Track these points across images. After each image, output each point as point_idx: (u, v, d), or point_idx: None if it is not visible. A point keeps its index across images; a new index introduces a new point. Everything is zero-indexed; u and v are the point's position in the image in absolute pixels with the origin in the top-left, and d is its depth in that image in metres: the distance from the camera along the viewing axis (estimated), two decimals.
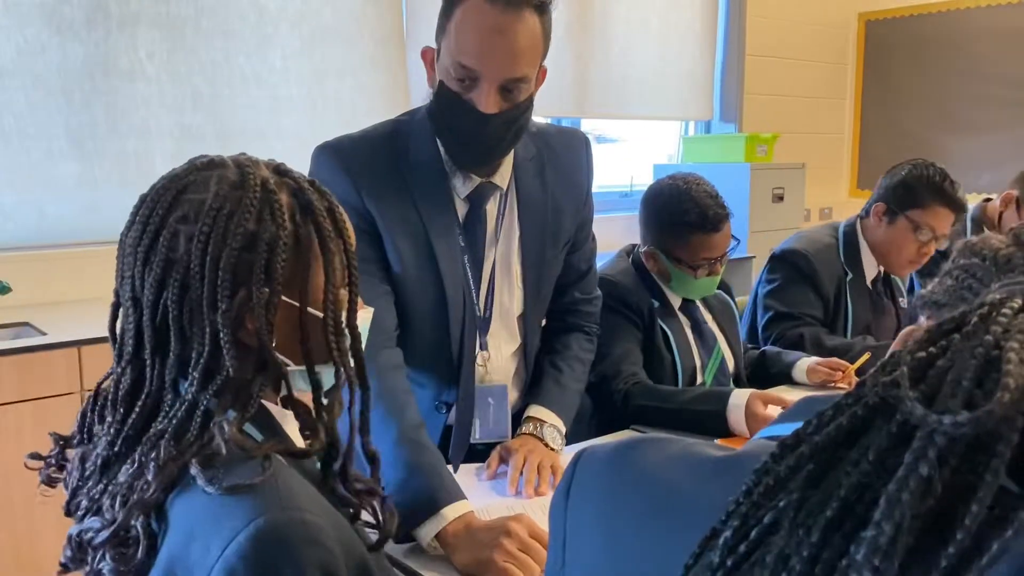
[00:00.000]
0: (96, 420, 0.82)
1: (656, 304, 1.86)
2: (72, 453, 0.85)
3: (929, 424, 0.42)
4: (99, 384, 0.84)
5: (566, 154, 1.54)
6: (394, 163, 1.40)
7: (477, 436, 1.50)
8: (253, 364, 0.80)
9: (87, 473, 0.80)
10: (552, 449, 1.46)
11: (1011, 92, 4.62)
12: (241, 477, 0.72)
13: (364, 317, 0.92)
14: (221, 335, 0.77)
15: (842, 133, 5.36)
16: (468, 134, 1.33)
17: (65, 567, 0.81)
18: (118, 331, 0.83)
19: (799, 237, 2.38)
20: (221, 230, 0.78)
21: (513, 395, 1.56)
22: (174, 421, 0.77)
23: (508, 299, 1.50)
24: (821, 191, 5.08)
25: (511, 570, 1.06)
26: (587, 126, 4.24)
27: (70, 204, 2.74)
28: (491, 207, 1.45)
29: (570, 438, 1.54)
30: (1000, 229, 2.68)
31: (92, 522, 0.77)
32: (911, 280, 2.47)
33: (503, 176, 1.45)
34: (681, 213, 1.80)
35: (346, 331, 0.85)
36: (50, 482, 0.86)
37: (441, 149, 1.41)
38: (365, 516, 0.88)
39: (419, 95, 3.31)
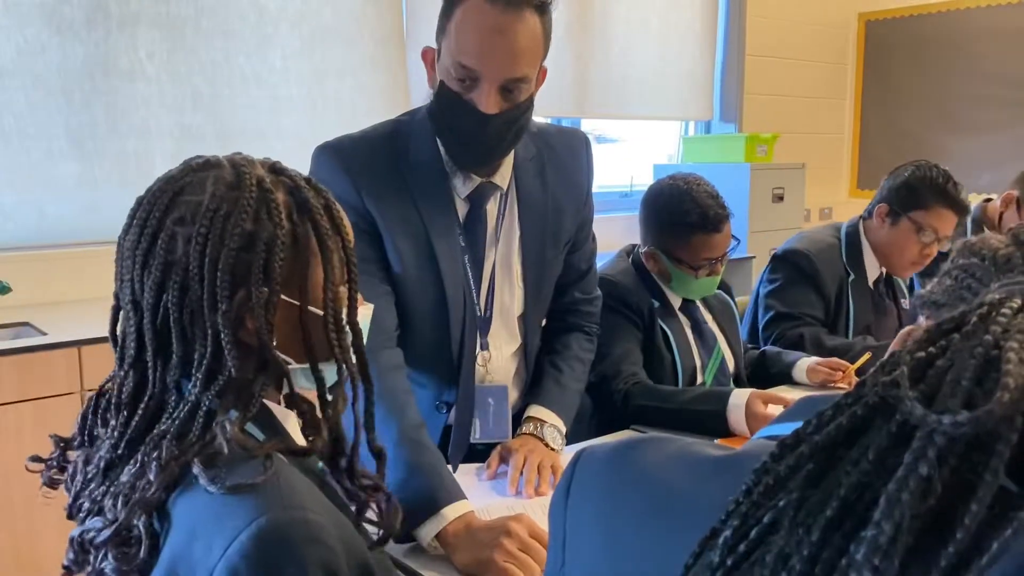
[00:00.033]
0: (99, 423, 0.82)
1: (656, 304, 1.86)
2: (73, 455, 0.85)
3: (929, 424, 0.42)
4: (101, 387, 0.84)
5: (566, 154, 1.54)
6: (394, 163, 1.40)
7: (477, 436, 1.50)
8: (254, 364, 0.80)
9: (90, 476, 0.80)
10: (552, 449, 1.46)
11: (1011, 92, 4.62)
12: (243, 476, 0.72)
13: (364, 313, 0.92)
14: (222, 336, 0.77)
15: (842, 133, 5.36)
16: (468, 134, 1.33)
17: (68, 569, 0.81)
18: (119, 334, 0.83)
19: (801, 237, 2.38)
20: (219, 231, 0.78)
21: (513, 395, 1.56)
22: (177, 422, 0.77)
23: (509, 299, 1.50)
24: (821, 191, 5.08)
25: (511, 570, 1.07)
26: (587, 126, 4.24)
27: (70, 204, 2.74)
28: (491, 207, 1.45)
29: (570, 438, 1.54)
30: (1000, 229, 2.68)
31: (94, 522, 0.77)
32: (912, 281, 2.47)
33: (503, 176, 1.45)
34: (682, 213, 1.80)
35: (347, 328, 0.85)
36: (52, 484, 0.86)
37: (441, 149, 1.41)
38: (368, 514, 0.89)
39: (419, 95, 3.31)
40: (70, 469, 0.84)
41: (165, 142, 2.87)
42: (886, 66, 5.16)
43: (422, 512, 1.16)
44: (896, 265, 2.27)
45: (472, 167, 1.41)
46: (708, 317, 1.96)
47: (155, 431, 0.77)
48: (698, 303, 1.94)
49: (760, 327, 2.30)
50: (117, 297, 0.82)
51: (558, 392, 1.54)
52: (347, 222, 0.88)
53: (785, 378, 1.99)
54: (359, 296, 0.88)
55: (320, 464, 0.86)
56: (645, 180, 4.40)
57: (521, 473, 1.36)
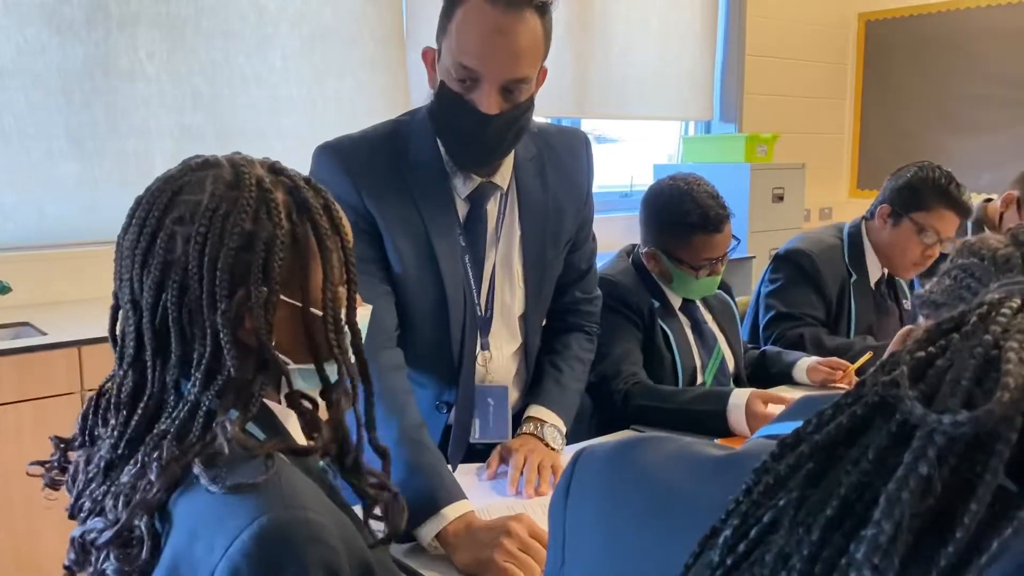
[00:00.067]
0: (99, 423, 0.82)
1: (656, 304, 1.87)
2: (74, 456, 0.85)
3: (929, 423, 0.42)
4: (101, 387, 0.84)
5: (566, 154, 1.54)
6: (394, 163, 1.40)
7: (476, 436, 1.50)
8: (254, 363, 0.80)
9: (91, 475, 0.80)
10: (552, 449, 1.46)
11: (1011, 92, 4.62)
12: (244, 476, 0.72)
13: (363, 314, 0.93)
14: (221, 335, 0.77)
15: (842, 133, 5.36)
16: (469, 134, 1.33)
17: (69, 570, 0.81)
18: (118, 334, 0.83)
19: (803, 237, 2.38)
20: (218, 230, 0.78)
21: (514, 395, 1.56)
22: (177, 422, 0.77)
23: (510, 299, 1.50)
24: (821, 191, 5.08)
25: (511, 570, 1.07)
26: (587, 126, 4.24)
27: (70, 204, 2.74)
28: (491, 207, 1.45)
29: (570, 438, 1.54)
30: (1000, 230, 2.68)
31: (95, 523, 0.77)
32: (913, 282, 2.47)
33: (503, 176, 1.45)
34: (682, 214, 1.80)
35: (346, 328, 0.85)
36: (53, 485, 0.86)
37: (442, 149, 1.41)
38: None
39: (419, 95, 3.31)
40: (71, 469, 0.84)
41: (165, 142, 2.87)
42: (886, 66, 5.16)
43: (422, 512, 1.17)
44: (898, 266, 2.27)
45: (472, 167, 1.41)
46: (708, 317, 1.96)
47: (155, 431, 0.77)
48: (698, 303, 1.94)
49: (761, 327, 2.30)
50: (116, 296, 0.82)
51: (558, 392, 1.54)
52: (346, 222, 0.88)
53: (785, 378, 1.99)
54: (358, 297, 0.88)
55: (321, 463, 0.86)
56: (645, 180, 4.40)
57: (521, 473, 1.36)
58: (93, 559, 0.78)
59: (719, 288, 1.94)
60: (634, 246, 1.99)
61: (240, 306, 0.78)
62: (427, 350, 1.46)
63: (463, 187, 1.43)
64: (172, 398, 0.79)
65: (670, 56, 4.37)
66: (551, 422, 1.49)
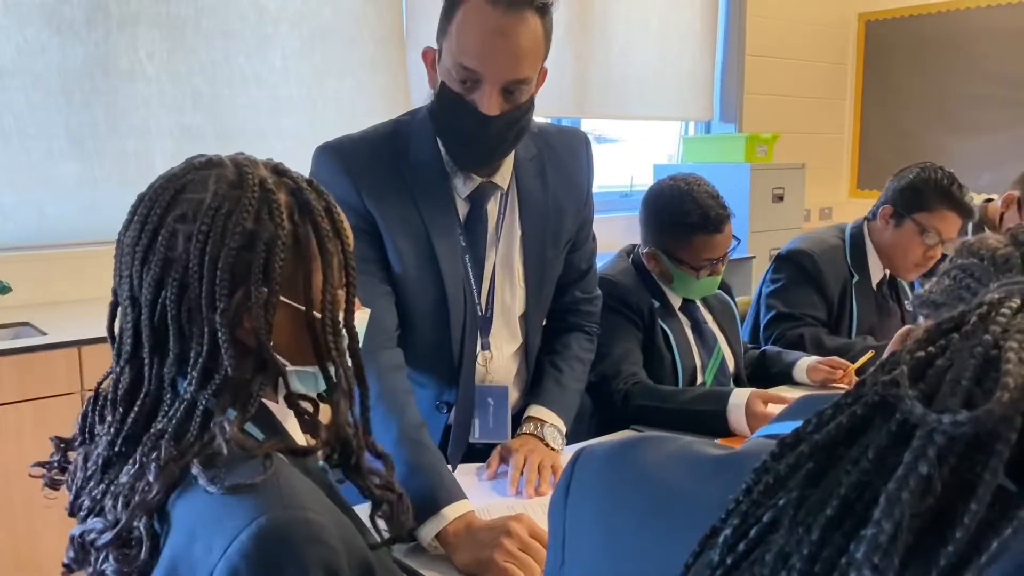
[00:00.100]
0: (97, 420, 0.83)
1: (656, 304, 1.87)
2: (74, 455, 0.85)
3: (929, 423, 0.42)
4: (99, 384, 0.84)
5: (567, 154, 1.54)
6: (394, 163, 1.40)
7: (476, 436, 1.50)
8: (252, 364, 0.80)
9: (89, 473, 0.81)
10: (552, 449, 1.46)
11: (1011, 92, 4.62)
12: (243, 476, 0.72)
13: (361, 318, 0.93)
14: (219, 334, 0.77)
15: (842, 133, 5.36)
16: (470, 135, 1.33)
17: (68, 568, 0.81)
18: (116, 330, 0.83)
19: (805, 238, 2.37)
20: (220, 229, 0.78)
21: (514, 395, 1.56)
22: (173, 421, 0.77)
23: (510, 298, 1.50)
24: (821, 191, 5.08)
25: (511, 570, 1.07)
26: (587, 126, 4.25)
27: (70, 204, 2.74)
28: (492, 207, 1.46)
29: (570, 438, 1.54)
30: (1001, 230, 2.68)
31: (95, 523, 0.77)
32: (914, 283, 2.47)
33: (504, 176, 1.45)
34: (683, 214, 1.80)
35: (343, 331, 0.85)
36: (53, 485, 0.86)
37: (442, 149, 1.41)
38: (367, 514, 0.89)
39: (419, 95, 3.31)
40: (70, 467, 0.84)
41: (165, 142, 2.87)
42: (886, 66, 5.16)
43: (422, 512, 1.17)
44: (900, 267, 2.27)
45: (473, 167, 1.41)
46: (708, 317, 1.96)
47: (152, 430, 0.77)
48: (698, 303, 1.94)
49: (761, 327, 2.30)
50: (115, 293, 0.82)
51: (558, 392, 1.54)
52: (347, 226, 0.88)
53: (785, 378, 1.99)
54: (356, 300, 0.88)
55: (320, 463, 0.86)
56: (645, 180, 4.40)
57: (521, 473, 1.36)
58: (92, 559, 0.78)
59: (719, 288, 1.95)
60: (634, 246, 1.99)
61: (239, 306, 0.78)
62: (427, 350, 1.46)
63: (463, 187, 1.43)
64: (168, 396, 0.79)
65: (670, 56, 4.37)
66: (551, 422, 1.49)
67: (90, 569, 0.78)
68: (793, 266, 2.29)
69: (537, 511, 1.23)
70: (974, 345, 0.44)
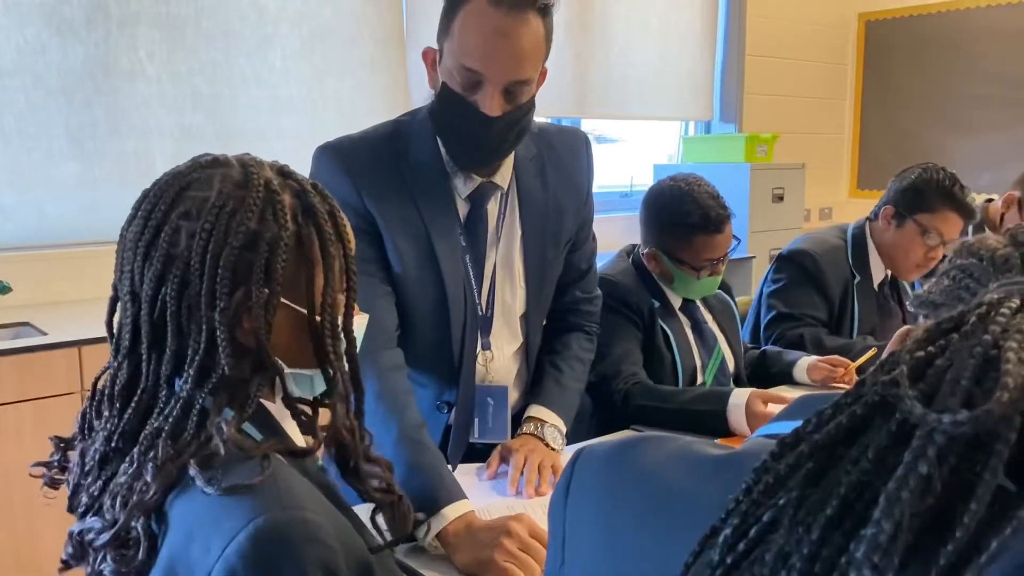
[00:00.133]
0: (94, 415, 0.83)
1: (656, 304, 1.87)
2: (74, 454, 0.85)
3: (929, 423, 0.42)
4: (96, 379, 0.84)
5: (567, 154, 1.54)
6: (394, 164, 1.40)
7: (475, 436, 1.50)
8: (250, 364, 0.80)
9: (86, 469, 0.81)
10: (553, 449, 1.46)
11: (1011, 92, 4.62)
12: (240, 477, 0.72)
13: (359, 323, 0.93)
14: (218, 333, 0.77)
15: (842, 133, 5.36)
16: (472, 136, 1.33)
17: (67, 564, 0.81)
18: (115, 326, 0.83)
19: (807, 238, 2.37)
20: (223, 228, 0.78)
21: (514, 395, 1.56)
22: (170, 419, 0.77)
23: (511, 298, 1.50)
24: (821, 191, 5.08)
25: (512, 570, 1.07)
26: (587, 126, 4.25)
27: (70, 204, 2.74)
28: (492, 207, 1.46)
29: (570, 438, 1.54)
30: (1001, 230, 2.68)
31: (93, 522, 0.77)
32: (914, 285, 2.47)
33: (504, 176, 1.46)
34: (683, 215, 1.80)
35: (342, 335, 0.86)
36: (53, 484, 0.86)
37: (442, 149, 1.41)
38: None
39: (419, 95, 3.31)
40: (70, 466, 0.84)
41: (165, 142, 2.87)
42: (886, 66, 5.16)
43: (423, 511, 1.16)
44: (901, 268, 2.27)
45: (473, 168, 1.41)
46: (708, 317, 1.96)
47: (148, 428, 0.77)
48: (698, 303, 1.94)
49: (762, 327, 2.30)
50: (116, 288, 0.82)
51: (558, 392, 1.54)
52: (350, 230, 0.88)
53: (786, 378, 1.99)
54: (355, 306, 0.88)
55: (319, 463, 0.86)
56: (645, 180, 4.40)
57: (521, 473, 1.36)
58: (90, 559, 0.78)
59: (719, 288, 1.95)
60: (634, 246, 1.99)
61: (240, 305, 0.78)
62: (428, 350, 1.46)
63: (463, 187, 1.43)
64: (164, 393, 0.79)
65: (670, 56, 4.37)
66: (551, 422, 1.49)
67: (88, 569, 0.79)
68: (795, 266, 2.29)
69: (537, 511, 1.23)
70: (974, 345, 0.44)
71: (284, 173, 0.86)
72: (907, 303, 2.36)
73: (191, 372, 0.77)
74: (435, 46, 1.36)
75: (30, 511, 2.16)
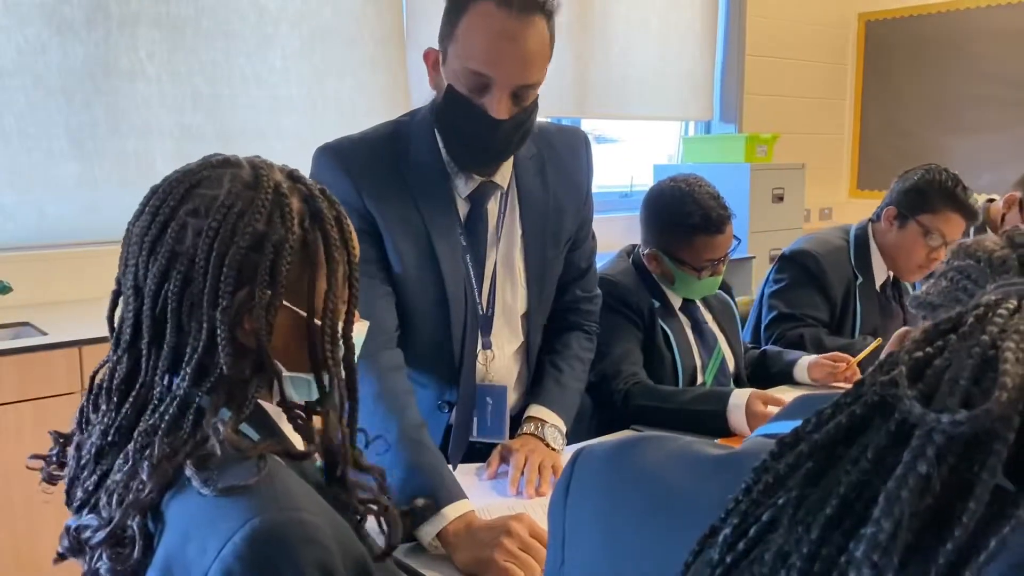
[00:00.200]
0: (91, 409, 0.83)
1: (656, 304, 1.87)
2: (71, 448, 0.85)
3: (928, 423, 0.42)
4: (94, 373, 0.84)
5: (566, 153, 1.54)
6: (394, 164, 1.40)
7: (474, 435, 1.50)
8: (250, 364, 0.80)
9: (83, 462, 0.81)
10: (553, 449, 1.46)
11: (1011, 92, 4.63)
12: (236, 478, 0.72)
13: (359, 330, 0.93)
14: (218, 332, 0.77)
15: (842, 133, 5.36)
16: (479, 138, 1.33)
17: (62, 556, 0.81)
18: (117, 320, 0.83)
19: (809, 239, 2.37)
20: (230, 227, 0.78)
21: (515, 395, 1.56)
22: (166, 416, 0.77)
23: (511, 298, 1.50)
24: (821, 191, 5.08)
25: (512, 569, 1.07)
26: (587, 126, 4.25)
27: (70, 204, 2.74)
28: (492, 206, 1.46)
29: (570, 438, 1.54)
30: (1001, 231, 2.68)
31: (89, 520, 0.77)
32: (915, 285, 2.47)
33: (504, 175, 1.46)
34: (684, 215, 1.80)
35: (341, 341, 0.86)
36: (51, 480, 0.86)
37: (442, 149, 1.41)
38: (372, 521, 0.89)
39: (419, 95, 3.31)
40: (68, 461, 0.85)
41: (165, 142, 2.87)
42: (886, 66, 5.16)
43: (423, 511, 1.16)
44: (903, 268, 2.27)
45: (476, 168, 1.41)
46: (708, 317, 1.96)
47: (143, 425, 0.77)
48: (698, 303, 1.94)
49: (762, 327, 2.30)
50: (119, 282, 0.83)
51: (558, 392, 1.54)
52: (355, 237, 0.88)
53: (786, 377, 1.99)
54: (356, 312, 0.88)
55: (317, 464, 0.86)
56: (645, 180, 4.40)
57: (522, 473, 1.36)
58: (87, 557, 0.78)
59: (719, 288, 1.95)
60: (634, 246, 1.99)
61: (242, 305, 0.78)
62: (428, 350, 1.46)
63: (464, 187, 1.43)
64: (159, 390, 0.79)
65: (670, 56, 4.37)
66: (552, 422, 1.49)
67: (85, 567, 0.79)
68: (797, 267, 2.29)
69: (537, 511, 1.23)
70: (972, 345, 0.44)
71: (294, 177, 0.86)
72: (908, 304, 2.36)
73: (188, 370, 0.77)
74: (436, 47, 1.36)
75: (30, 510, 2.16)
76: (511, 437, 1.50)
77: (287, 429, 0.85)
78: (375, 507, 0.87)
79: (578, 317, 1.65)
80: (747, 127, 4.69)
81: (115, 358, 0.81)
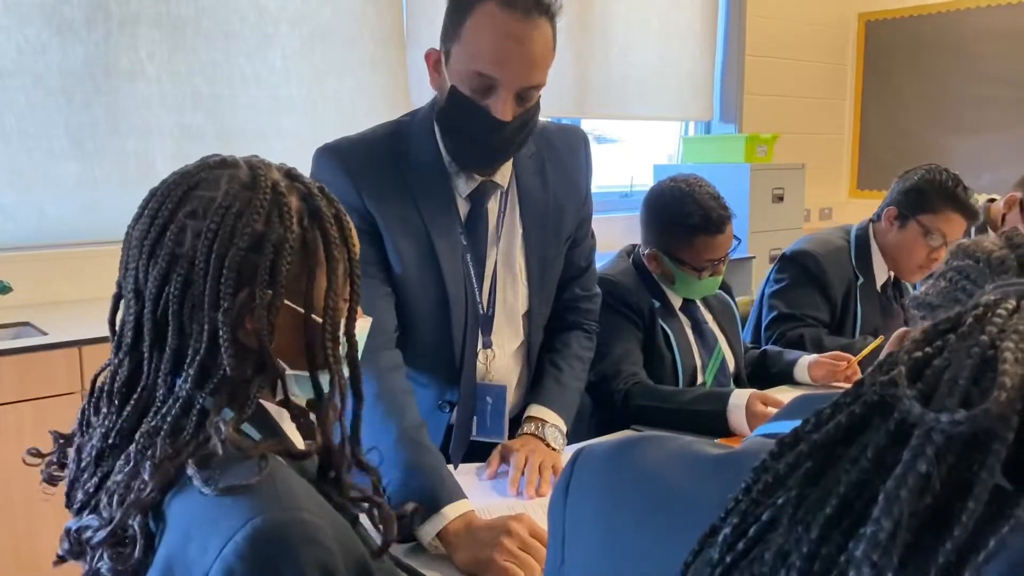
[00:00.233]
0: (92, 412, 0.83)
1: (656, 304, 1.87)
2: (72, 450, 0.85)
3: (927, 422, 0.42)
4: (96, 376, 0.84)
5: (566, 152, 1.55)
6: (395, 164, 1.40)
7: (474, 434, 1.50)
8: (252, 365, 0.80)
9: (83, 465, 0.81)
10: (553, 449, 1.46)
11: (1011, 92, 4.63)
12: (238, 477, 0.72)
13: (363, 326, 0.93)
14: (220, 333, 0.77)
15: (842, 133, 5.36)
16: (483, 139, 1.34)
17: (62, 559, 0.81)
18: (118, 323, 0.83)
19: (810, 239, 2.37)
20: (229, 228, 0.78)
21: (516, 394, 1.56)
22: (169, 418, 0.77)
23: (512, 297, 1.50)
24: (821, 191, 5.08)
25: (512, 569, 1.07)
26: (587, 126, 4.24)
27: (70, 204, 2.74)
28: (492, 205, 1.46)
29: (570, 437, 1.54)
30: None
31: (90, 520, 0.77)
32: (916, 285, 2.46)
33: (504, 174, 1.46)
34: (684, 216, 1.80)
35: (344, 339, 0.86)
36: (51, 480, 0.86)
37: (442, 149, 1.41)
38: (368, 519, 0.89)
39: (419, 95, 3.31)
40: (69, 462, 0.85)
41: (165, 142, 2.87)
42: (886, 66, 5.16)
43: (422, 512, 1.17)
44: (904, 268, 2.27)
45: (478, 168, 1.41)
46: (708, 317, 1.96)
47: (145, 426, 0.77)
48: (698, 303, 1.94)
49: (763, 327, 2.30)
50: (120, 285, 0.83)
51: (558, 391, 1.54)
52: (355, 234, 0.88)
53: (786, 377, 1.99)
54: (359, 309, 0.88)
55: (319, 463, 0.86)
56: (645, 180, 4.40)
57: (522, 473, 1.36)
58: (88, 557, 0.78)
59: (719, 288, 1.95)
60: (634, 246, 1.99)
61: (243, 306, 0.78)
62: (429, 350, 1.46)
63: (464, 186, 1.43)
64: (162, 392, 0.79)
65: (670, 56, 4.37)
66: (552, 422, 1.49)
67: (86, 566, 0.79)
68: (797, 267, 2.29)
69: (537, 511, 1.23)
70: (971, 345, 0.44)
71: (291, 176, 0.86)
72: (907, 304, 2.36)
73: (191, 371, 0.77)
74: (437, 47, 1.36)
75: (30, 511, 2.16)
76: (511, 437, 1.50)
77: (288, 429, 0.85)
78: (367, 505, 0.87)
79: (578, 316, 1.65)
80: (747, 127, 4.69)
81: (116, 361, 0.81)
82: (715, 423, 1.62)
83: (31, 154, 2.65)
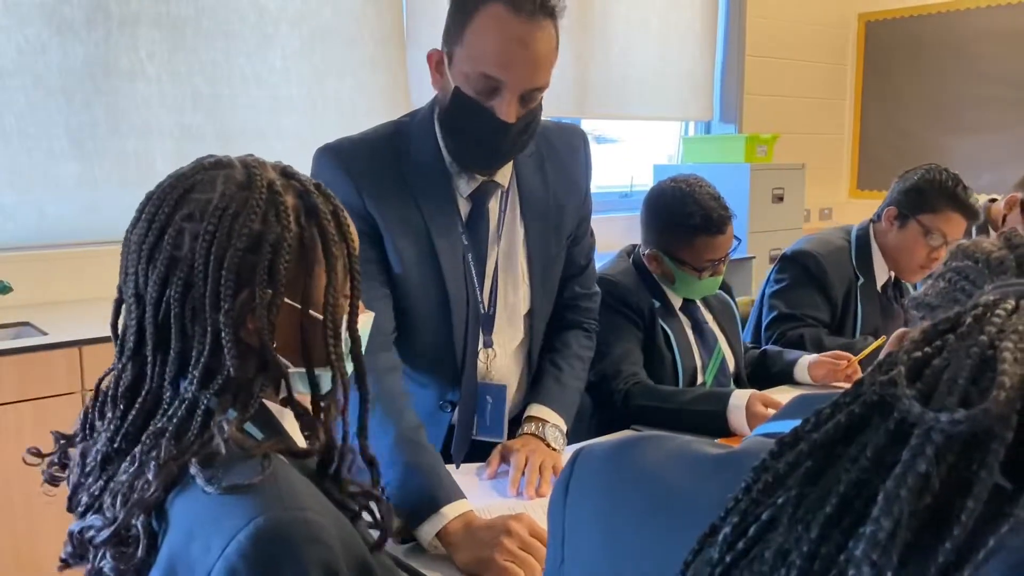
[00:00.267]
0: (96, 416, 0.83)
1: (657, 304, 1.87)
2: (74, 451, 0.85)
3: (926, 422, 0.42)
4: (99, 380, 0.84)
5: (566, 151, 1.55)
6: (395, 164, 1.40)
7: (474, 433, 1.50)
8: (254, 364, 0.81)
9: (88, 469, 0.81)
10: (554, 449, 1.46)
11: (1011, 92, 4.63)
12: (241, 476, 0.72)
13: (365, 321, 0.93)
14: (223, 334, 0.77)
15: (842, 133, 5.36)
16: (487, 140, 1.34)
17: (66, 563, 0.81)
18: (120, 327, 0.83)
19: (811, 239, 2.37)
20: (226, 230, 0.78)
21: (517, 393, 1.56)
22: (174, 420, 0.77)
23: (513, 296, 1.50)
24: (821, 191, 5.08)
25: (512, 569, 1.07)
26: (587, 126, 4.24)
27: (70, 204, 2.74)
28: (492, 204, 1.46)
29: (570, 437, 1.54)
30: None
31: (93, 520, 0.77)
32: (916, 285, 2.46)
33: (504, 174, 1.46)
34: (685, 216, 1.80)
35: (346, 335, 0.86)
36: (53, 481, 0.86)
37: (443, 149, 1.41)
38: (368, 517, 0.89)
39: (419, 95, 3.31)
40: (71, 464, 0.85)
41: (165, 142, 2.87)
42: (886, 66, 5.16)
43: (422, 511, 1.17)
44: (904, 268, 2.27)
45: (480, 169, 1.42)
46: (709, 317, 1.96)
47: (151, 428, 0.77)
48: (698, 303, 1.95)
49: (763, 327, 2.30)
50: (120, 290, 0.83)
51: (558, 391, 1.54)
52: (354, 230, 0.88)
53: (786, 377, 1.99)
54: (360, 304, 0.88)
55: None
56: (645, 180, 4.40)
57: (522, 473, 1.36)
58: (90, 557, 0.78)
59: (719, 288, 1.95)
60: (635, 246, 1.99)
61: (244, 306, 0.78)
62: (430, 350, 1.46)
63: (465, 186, 1.43)
64: (168, 395, 0.79)
65: (670, 56, 4.37)
66: (552, 422, 1.49)
67: (88, 567, 0.79)
68: (798, 267, 2.29)
69: (537, 511, 1.23)
70: (970, 345, 0.44)
71: (287, 174, 0.86)
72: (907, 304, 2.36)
73: (196, 373, 0.78)
74: (439, 47, 1.36)
75: (30, 511, 2.16)
76: (511, 436, 1.50)
77: (290, 427, 0.85)
78: (365, 500, 0.87)
79: (577, 315, 1.65)
80: (747, 127, 4.69)
81: (120, 366, 0.81)
82: (715, 423, 1.62)
83: (31, 154, 2.65)
